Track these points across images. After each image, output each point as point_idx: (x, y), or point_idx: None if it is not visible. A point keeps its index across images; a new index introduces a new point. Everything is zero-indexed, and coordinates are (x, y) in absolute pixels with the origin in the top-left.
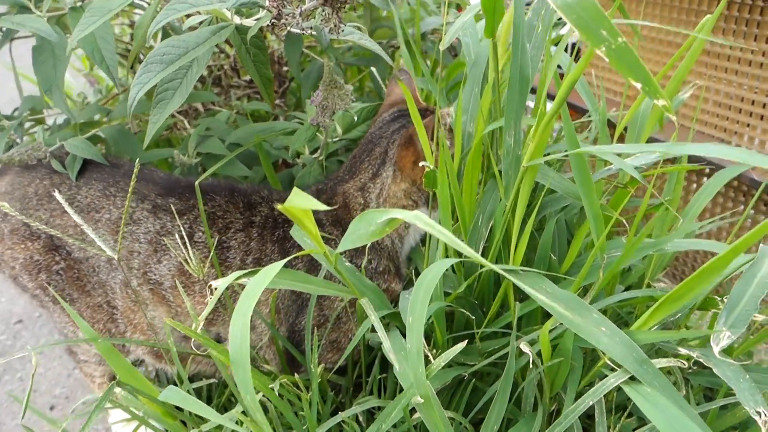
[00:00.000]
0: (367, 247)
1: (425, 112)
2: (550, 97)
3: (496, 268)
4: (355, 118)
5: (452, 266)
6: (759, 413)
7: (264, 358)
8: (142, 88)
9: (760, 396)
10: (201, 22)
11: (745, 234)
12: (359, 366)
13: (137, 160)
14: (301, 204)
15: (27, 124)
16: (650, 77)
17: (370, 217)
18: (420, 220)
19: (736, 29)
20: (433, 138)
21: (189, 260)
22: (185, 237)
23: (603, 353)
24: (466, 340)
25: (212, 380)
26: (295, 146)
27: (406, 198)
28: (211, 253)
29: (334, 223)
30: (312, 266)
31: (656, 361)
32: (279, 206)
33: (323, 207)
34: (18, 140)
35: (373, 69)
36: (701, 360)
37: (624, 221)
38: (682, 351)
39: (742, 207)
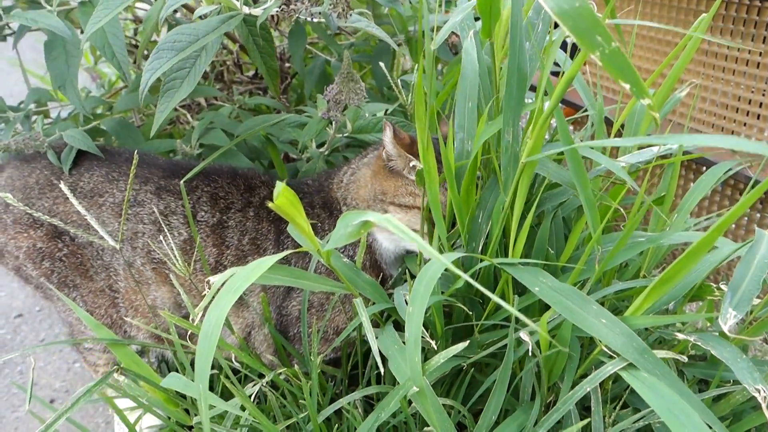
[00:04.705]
0: None
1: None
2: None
3: (495, 262)
4: (366, 115)
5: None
6: (758, 390)
7: (255, 338)
8: (153, 74)
9: (758, 374)
10: (209, 12)
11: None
12: (353, 357)
13: (135, 152)
14: (289, 198)
15: (33, 117)
16: (638, 78)
17: (348, 219)
18: (390, 223)
19: (734, 29)
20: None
21: (175, 260)
22: (171, 235)
23: (600, 342)
24: (468, 341)
25: (213, 371)
26: (305, 139)
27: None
28: (197, 244)
29: (323, 206)
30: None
31: (654, 351)
32: (270, 204)
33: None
34: (24, 133)
35: (380, 65)
36: (699, 343)
37: (623, 213)
38: (680, 336)
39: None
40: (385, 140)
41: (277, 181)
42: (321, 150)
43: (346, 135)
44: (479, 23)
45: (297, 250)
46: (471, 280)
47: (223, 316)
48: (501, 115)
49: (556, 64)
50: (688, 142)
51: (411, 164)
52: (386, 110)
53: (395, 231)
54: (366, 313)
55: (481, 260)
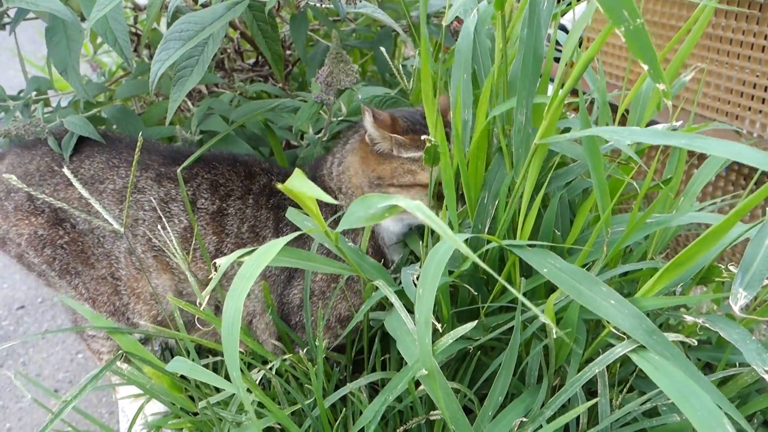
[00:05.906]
0: None
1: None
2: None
3: (504, 243)
4: (359, 96)
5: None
6: (767, 372)
7: (257, 327)
8: (163, 65)
9: (767, 355)
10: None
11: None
12: (356, 343)
13: (140, 133)
14: (301, 187)
15: (32, 106)
16: (657, 61)
17: (371, 201)
18: (420, 210)
19: (738, 13)
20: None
21: (175, 250)
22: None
23: (608, 323)
24: (476, 321)
25: (218, 358)
26: (298, 124)
27: (361, 174)
28: (195, 231)
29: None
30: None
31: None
32: (280, 185)
33: (326, 197)
34: (24, 120)
35: (380, 50)
36: (707, 325)
37: (636, 187)
38: (688, 318)
39: (742, 191)
40: (366, 125)
41: (296, 168)
42: (319, 135)
43: (341, 119)
44: (482, 4)
45: (296, 233)
46: (480, 263)
47: (240, 304)
48: (510, 96)
49: (558, 49)
50: (713, 151)
51: (423, 138)
52: (386, 95)
53: (425, 219)
54: (390, 289)
55: (489, 242)
